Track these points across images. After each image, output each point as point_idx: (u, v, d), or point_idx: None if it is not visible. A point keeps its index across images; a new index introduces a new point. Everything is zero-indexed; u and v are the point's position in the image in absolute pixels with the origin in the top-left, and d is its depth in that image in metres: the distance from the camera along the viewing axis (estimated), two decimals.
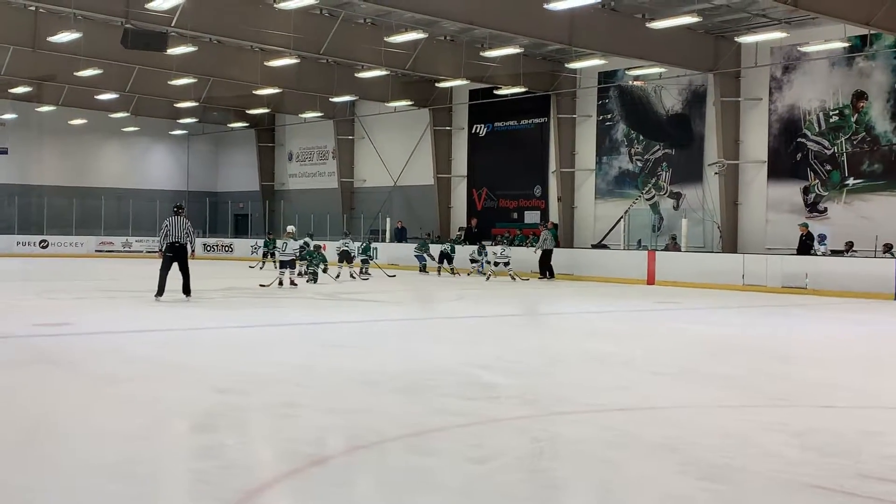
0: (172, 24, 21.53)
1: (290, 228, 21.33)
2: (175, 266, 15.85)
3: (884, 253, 21.02)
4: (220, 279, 22.69)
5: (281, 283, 20.04)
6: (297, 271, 20.87)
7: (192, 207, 41.42)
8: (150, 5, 19.97)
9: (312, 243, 23.70)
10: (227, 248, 37.67)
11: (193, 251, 16.25)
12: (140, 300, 16.04)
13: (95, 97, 34.09)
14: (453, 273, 26.97)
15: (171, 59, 25.69)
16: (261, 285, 20.26)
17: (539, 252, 25.64)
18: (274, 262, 23.15)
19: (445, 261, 27.23)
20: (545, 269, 25.54)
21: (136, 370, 8.71)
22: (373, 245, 26.16)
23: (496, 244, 27.02)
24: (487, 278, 24.87)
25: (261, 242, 32.38)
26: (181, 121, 40.34)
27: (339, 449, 5.92)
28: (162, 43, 21.76)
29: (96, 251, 36.47)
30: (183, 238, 15.81)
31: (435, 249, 27.67)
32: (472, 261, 26.48)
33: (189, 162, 44.96)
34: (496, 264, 25.17)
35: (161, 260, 15.92)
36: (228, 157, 45.51)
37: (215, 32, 24.67)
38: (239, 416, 6.75)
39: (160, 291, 15.74)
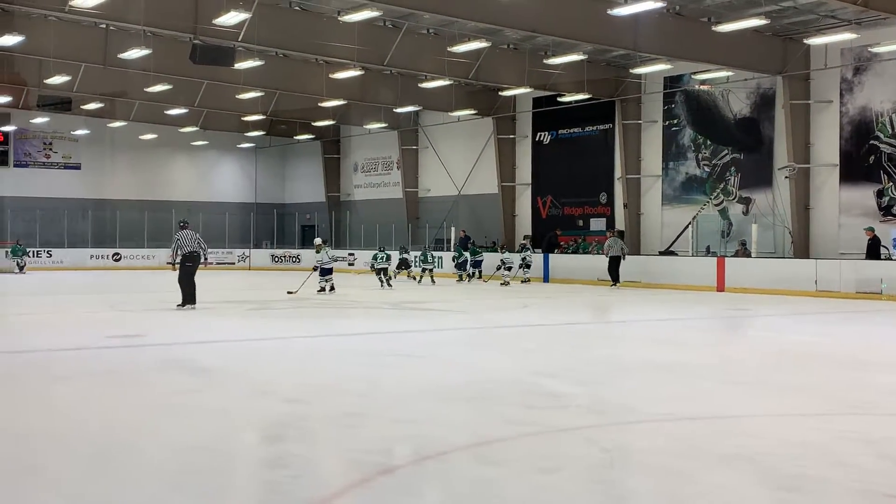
0: (239, 39, 21.86)
1: (318, 240, 22.57)
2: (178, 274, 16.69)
3: None
4: (286, 290, 22.88)
5: (323, 290, 21.47)
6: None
7: (260, 219, 42.09)
8: (217, 21, 20.34)
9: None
10: (294, 259, 38.06)
11: (206, 259, 17.22)
12: (211, 311, 16.25)
13: (165, 112, 34.77)
14: (412, 278, 27.51)
15: (239, 73, 26.10)
16: (288, 293, 20.98)
17: (608, 258, 25.46)
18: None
19: (403, 266, 27.42)
20: (613, 275, 25.31)
21: (205, 381, 8.82)
22: (431, 254, 27.13)
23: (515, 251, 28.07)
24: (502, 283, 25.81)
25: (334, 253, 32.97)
26: (249, 134, 40.91)
27: (407, 459, 5.91)
28: (229, 58, 22.10)
29: (167, 263, 37.08)
30: (197, 248, 16.60)
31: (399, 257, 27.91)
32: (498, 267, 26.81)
33: (257, 174, 45.56)
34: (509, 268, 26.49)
35: (178, 271, 16.64)
36: (295, 168, 46.01)
37: (281, 46, 24.99)
38: (306, 426, 6.78)
39: (191, 300, 16.46)
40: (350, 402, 7.63)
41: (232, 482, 5.37)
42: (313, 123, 37.57)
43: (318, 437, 6.53)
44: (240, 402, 7.68)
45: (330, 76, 27.33)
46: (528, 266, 26.96)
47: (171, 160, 43.04)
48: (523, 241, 31.50)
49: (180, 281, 16.55)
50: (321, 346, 11.93)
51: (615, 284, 25.14)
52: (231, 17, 20.29)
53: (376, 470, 5.45)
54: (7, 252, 33.74)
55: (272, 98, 32.87)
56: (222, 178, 44.99)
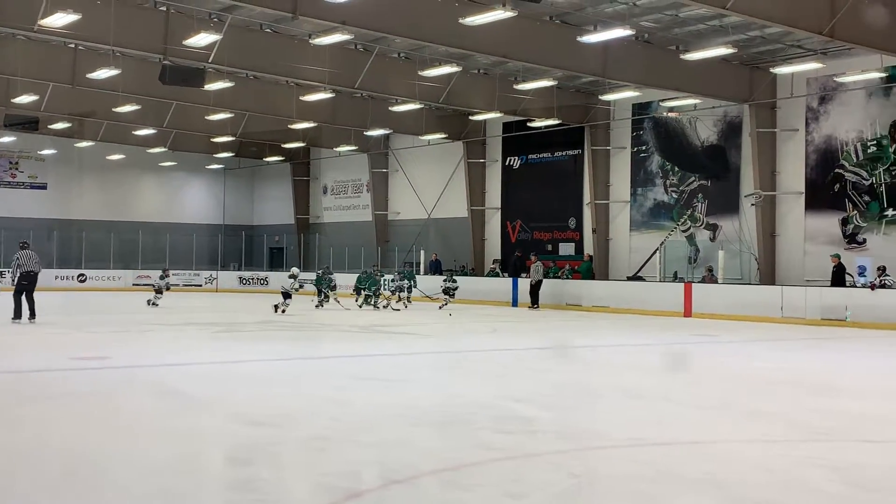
0: (209, 61, 21.79)
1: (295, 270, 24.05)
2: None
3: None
4: (255, 313, 22.79)
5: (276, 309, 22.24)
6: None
7: (228, 240, 41.87)
8: (187, 42, 20.29)
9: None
10: (262, 282, 37.86)
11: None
12: (177, 333, 16.12)
13: (133, 133, 34.58)
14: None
15: (208, 94, 26.00)
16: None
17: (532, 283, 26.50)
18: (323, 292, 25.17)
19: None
20: (534, 298, 26.35)
21: (173, 404, 8.74)
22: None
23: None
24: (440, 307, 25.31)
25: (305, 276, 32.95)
26: (218, 155, 40.72)
27: (375, 483, 5.88)
28: (199, 79, 22.03)
29: (134, 285, 36.78)
30: (35, 267, 17.77)
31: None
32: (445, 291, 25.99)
33: (225, 196, 45.36)
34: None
35: (14, 289, 17.74)
36: (264, 190, 45.88)
37: (251, 68, 24.96)
38: (274, 450, 6.74)
39: (17, 315, 17.54)
40: (319, 425, 7.59)
41: None
42: (283, 145, 37.51)
43: (286, 461, 6.48)
44: (207, 425, 7.61)
45: (300, 98, 27.33)
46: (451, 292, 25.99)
47: (139, 181, 42.76)
48: (493, 265, 31.66)
49: (15, 296, 17.59)
50: (290, 369, 11.86)
51: (535, 307, 26.06)
52: (201, 39, 20.25)
53: (344, 494, 5.42)
54: None
55: (242, 119, 32.78)
56: (190, 200, 44.74)
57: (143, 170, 42.16)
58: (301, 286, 24.15)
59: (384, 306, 24.81)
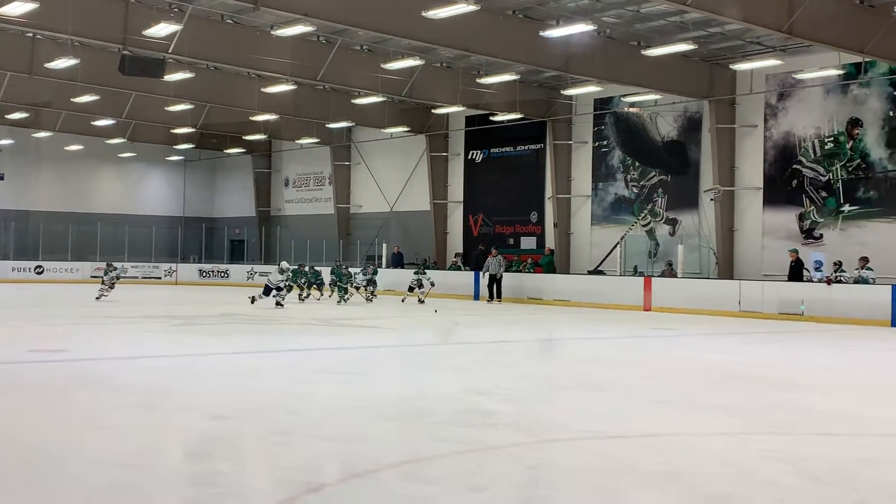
0: (169, 51, 21.59)
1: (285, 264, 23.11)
2: None
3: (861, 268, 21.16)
4: (215, 305, 22.64)
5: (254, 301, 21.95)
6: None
7: (188, 233, 41.51)
8: (147, 32, 20.08)
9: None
10: (222, 274, 37.61)
11: None
12: (135, 326, 15.99)
13: (92, 123, 34.18)
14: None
15: (168, 85, 25.77)
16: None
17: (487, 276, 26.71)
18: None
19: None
20: (492, 291, 26.60)
21: (131, 397, 8.66)
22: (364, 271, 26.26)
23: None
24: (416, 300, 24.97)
25: (256, 268, 32.76)
26: (178, 147, 40.37)
27: (335, 477, 5.87)
28: (159, 69, 21.81)
29: (92, 277, 36.31)
30: None
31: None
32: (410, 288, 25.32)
33: (185, 188, 44.99)
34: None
35: None
36: (225, 182, 45.55)
37: (212, 59, 24.75)
38: (233, 444, 6.71)
39: None
40: (279, 419, 7.56)
41: (157, 499, 5.29)
42: (244, 137, 37.26)
43: (245, 455, 6.46)
44: (166, 419, 7.56)
45: (262, 90, 27.14)
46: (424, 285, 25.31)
47: (98, 172, 42.27)
48: (455, 259, 31.68)
49: None
50: (250, 363, 11.79)
51: (494, 300, 26.28)
52: (161, 29, 20.05)
53: (304, 488, 5.41)
54: None
55: (202, 111, 32.52)
56: (150, 191, 44.31)
57: (102, 161, 41.70)
58: (288, 282, 23.60)
59: (367, 299, 25.03)
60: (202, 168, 45.01)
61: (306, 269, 25.36)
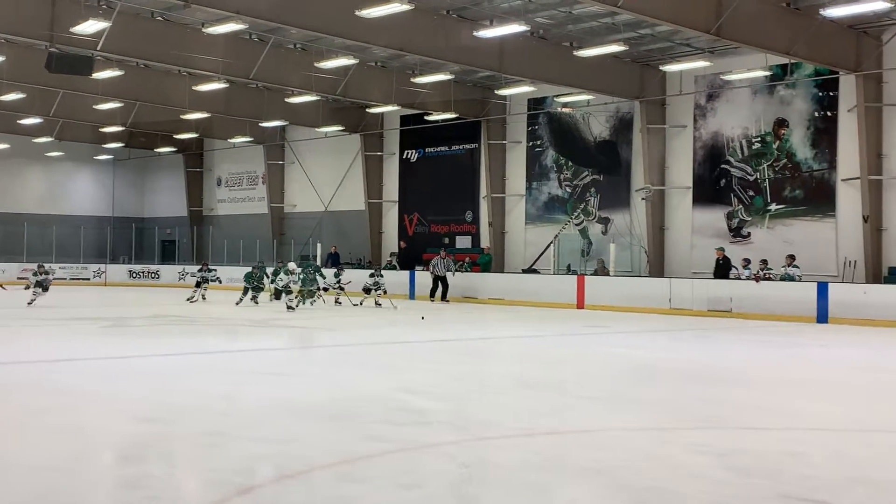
0: (98, 48, 21.20)
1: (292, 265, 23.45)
2: None
3: (788, 265, 21.64)
4: (145, 307, 22.32)
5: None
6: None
7: (117, 233, 40.81)
8: (74, 29, 19.69)
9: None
10: (153, 275, 37.05)
11: None
12: (64, 329, 15.69)
13: (18, 122, 33.42)
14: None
15: (97, 83, 25.31)
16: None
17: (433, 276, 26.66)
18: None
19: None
20: (444, 293, 26.51)
21: (60, 400, 8.50)
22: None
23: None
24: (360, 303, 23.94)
25: (190, 269, 32.19)
26: (107, 146, 39.63)
27: (267, 478, 5.84)
28: (87, 67, 21.41)
29: (18, 278, 35.49)
30: None
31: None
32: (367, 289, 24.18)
33: (115, 187, 44.22)
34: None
35: None
36: (155, 182, 44.88)
37: (142, 56, 24.34)
38: (165, 446, 6.63)
39: None
40: (210, 420, 7.49)
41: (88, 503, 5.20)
42: (175, 136, 36.73)
43: (176, 458, 6.39)
44: (95, 422, 7.44)
45: (193, 88, 26.79)
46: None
47: (24, 171, 41.34)
48: (390, 258, 31.61)
49: None
50: (180, 365, 11.65)
51: (437, 300, 26.26)
52: (90, 26, 19.66)
53: (236, 490, 5.37)
54: None
55: (132, 109, 31.97)
56: (78, 191, 43.46)
57: (29, 159, 40.79)
58: (292, 282, 22.95)
59: (356, 304, 23.78)
60: (132, 167, 44.28)
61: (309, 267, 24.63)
